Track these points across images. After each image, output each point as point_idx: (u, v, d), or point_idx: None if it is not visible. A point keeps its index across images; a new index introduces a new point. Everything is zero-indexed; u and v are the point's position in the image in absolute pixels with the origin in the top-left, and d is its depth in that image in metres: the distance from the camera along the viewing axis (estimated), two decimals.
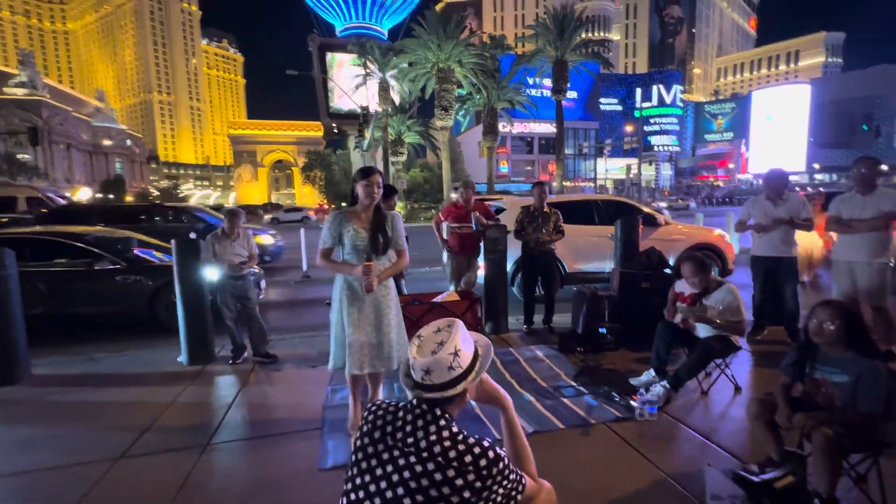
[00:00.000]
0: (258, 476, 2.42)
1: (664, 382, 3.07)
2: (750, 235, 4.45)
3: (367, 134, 28.47)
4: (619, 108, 56.41)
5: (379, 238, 2.58)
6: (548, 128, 43.44)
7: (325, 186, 42.29)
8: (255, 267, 4.41)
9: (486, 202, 5.99)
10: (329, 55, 49.59)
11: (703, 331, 3.25)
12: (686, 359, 3.15)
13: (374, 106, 28.02)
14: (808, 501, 1.85)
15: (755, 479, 1.85)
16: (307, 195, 52.18)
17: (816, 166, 55.02)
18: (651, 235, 6.29)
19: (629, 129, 51.60)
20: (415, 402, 1.18)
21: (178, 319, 4.04)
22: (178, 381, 3.70)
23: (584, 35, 24.21)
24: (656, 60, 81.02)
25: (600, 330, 4.15)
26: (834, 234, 4.23)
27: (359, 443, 1.18)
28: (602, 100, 53.44)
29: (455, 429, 1.13)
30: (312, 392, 3.42)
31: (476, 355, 1.22)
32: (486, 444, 1.10)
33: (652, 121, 56.20)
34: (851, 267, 3.55)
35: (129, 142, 70.29)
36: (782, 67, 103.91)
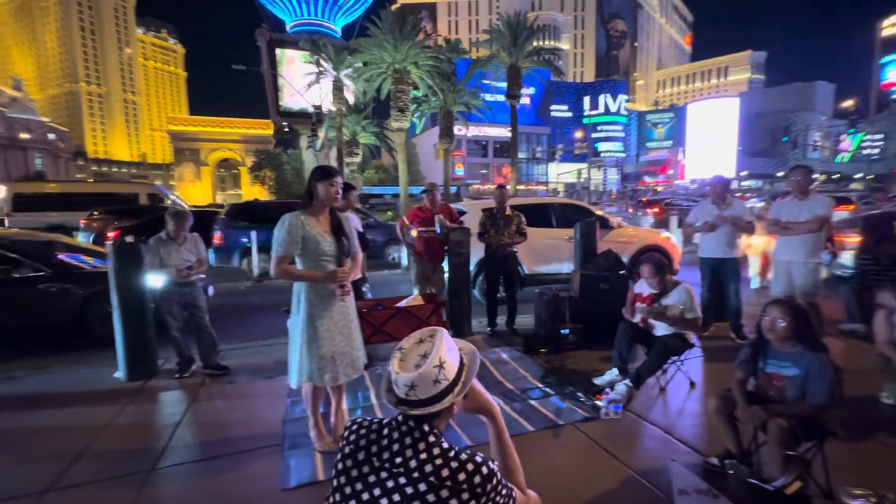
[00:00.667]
0: (213, 502, 2.22)
1: (627, 381, 3.17)
2: (696, 238, 4.72)
3: (321, 133, 27.62)
4: (569, 114, 58.46)
5: (343, 241, 2.48)
6: (502, 132, 44.24)
7: (276, 187, 40.66)
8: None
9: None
10: (279, 51, 47.64)
11: (659, 329, 3.39)
12: (646, 357, 3.26)
13: (328, 105, 27.21)
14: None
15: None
16: (256, 196, 50.06)
17: (745, 173, 59.85)
18: (605, 237, 6.53)
19: (578, 135, 53.70)
20: (400, 418, 1.10)
21: (115, 331, 3.68)
22: (116, 399, 3.36)
23: (536, 43, 24.77)
24: (603, 70, 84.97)
25: (563, 331, 4.23)
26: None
27: (340, 465, 1.09)
28: (553, 106, 55.22)
29: (445, 445, 1.06)
30: (270, 405, 3.22)
31: (462, 365, 1.16)
32: (478, 459, 1.05)
33: (599, 128, 58.73)
34: (789, 266, 3.86)
35: (51, 135, 63.95)
36: (714, 81, 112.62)
